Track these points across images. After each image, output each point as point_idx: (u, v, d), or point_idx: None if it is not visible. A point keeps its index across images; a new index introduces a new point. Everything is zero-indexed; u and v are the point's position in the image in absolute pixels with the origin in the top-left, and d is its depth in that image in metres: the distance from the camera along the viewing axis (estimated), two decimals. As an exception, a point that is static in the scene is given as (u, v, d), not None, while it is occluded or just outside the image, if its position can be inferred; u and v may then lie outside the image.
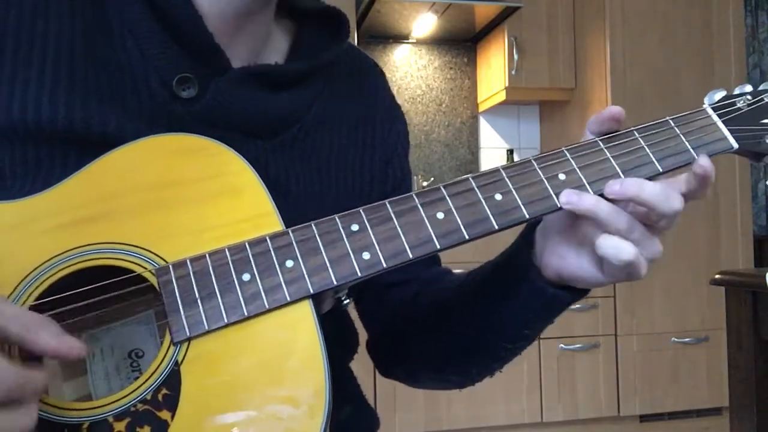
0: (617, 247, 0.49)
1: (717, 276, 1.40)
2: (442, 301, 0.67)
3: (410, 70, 3.11)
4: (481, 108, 3.16)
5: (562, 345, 2.58)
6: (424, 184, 3.03)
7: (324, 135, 0.65)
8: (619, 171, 0.52)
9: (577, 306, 2.56)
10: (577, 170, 0.52)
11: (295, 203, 0.59)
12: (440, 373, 0.69)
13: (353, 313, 0.71)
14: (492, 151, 3.19)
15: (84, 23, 0.55)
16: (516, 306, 0.58)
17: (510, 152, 3.18)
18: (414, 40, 3.10)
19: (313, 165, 0.63)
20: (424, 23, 2.87)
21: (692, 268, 2.66)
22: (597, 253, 0.50)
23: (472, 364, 0.66)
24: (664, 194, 0.49)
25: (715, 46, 2.76)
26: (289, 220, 0.50)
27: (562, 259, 0.54)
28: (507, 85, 2.82)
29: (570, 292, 0.56)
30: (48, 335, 0.40)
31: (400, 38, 3.07)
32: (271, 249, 0.48)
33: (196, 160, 0.51)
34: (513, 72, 2.80)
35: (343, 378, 0.70)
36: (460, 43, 3.15)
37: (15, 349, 0.43)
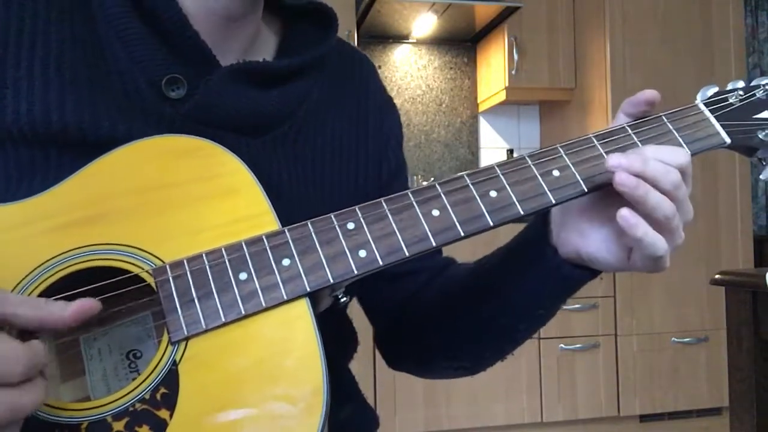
0: (654, 243, 0.49)
1: (717, 276, 1.40)
2: (455, 285, 0.67)
3: (410, 70, 3.11)
4: (481, 108, 3.16)
5: (562, 345, 2.58)
6: (424, 183, 3.02)
7: (316, 131, 0.65)
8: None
9: (577, 306, 2.56)
10: (571, 166, 0.53)
11: (289, 200, 0.59)
12: (454, 358, 0.69)
13: (352, 314, 0.71)
14: (492, 151, 3.20)
15: (71, 27, 0.55)
16: (531, 286, 0.58)
17: (510, 152, 3.18)
18: (414, 40, 3.10)
19: (306, 161, 0.63)
20: (424, 23, 2.88)
21: (692, 268, 2.66)
22: (631, 238, 0.49)
23: (485, 347, 0.66)
24: (671, 153, 0.50)
25: (715, 46, 2.76)
26: (283, 217, 0.50)
27: (583, 238, 0.54)
28: (507, 85, 2.83)
29: (586, 270, 0.56)
30: (59, 307, 0.42)
31: (400, 38, 3.08)
32: (268, 248, 0.48)
33: (191, 161, 0.51)
34: (513, 72, 2.80)
35: (343, 378, 0.70)
36: (460, 43, 3.16)
37: (13, 330, 0.44)
